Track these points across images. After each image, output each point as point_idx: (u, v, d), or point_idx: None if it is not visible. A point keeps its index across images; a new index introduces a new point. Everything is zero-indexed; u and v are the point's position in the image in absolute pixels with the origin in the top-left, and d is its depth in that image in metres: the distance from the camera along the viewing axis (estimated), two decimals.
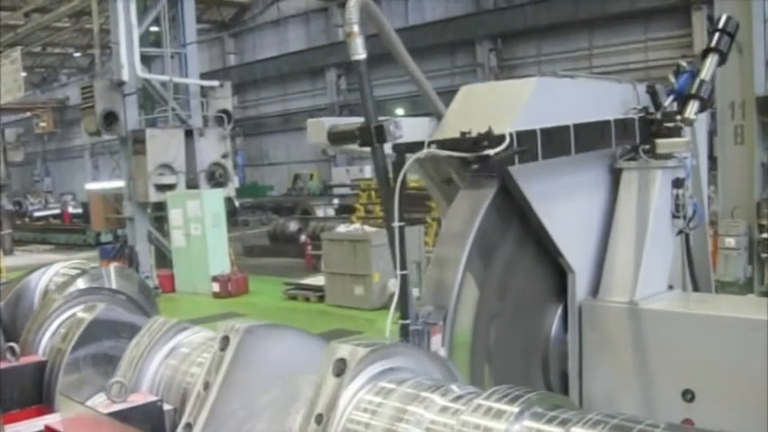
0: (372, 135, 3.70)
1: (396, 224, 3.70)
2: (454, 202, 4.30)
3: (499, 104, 4.41)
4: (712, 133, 16.56)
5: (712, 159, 15.09)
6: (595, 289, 4.75)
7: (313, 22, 39.23)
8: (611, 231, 4.84)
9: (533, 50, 29.74)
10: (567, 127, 4.22)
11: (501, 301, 4.30)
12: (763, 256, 10.67)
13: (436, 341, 3.51)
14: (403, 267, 3.72)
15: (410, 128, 4.20)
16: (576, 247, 4.65)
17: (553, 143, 4.09)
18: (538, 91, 4.39)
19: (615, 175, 4.96)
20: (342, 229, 15.89)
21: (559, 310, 4.73)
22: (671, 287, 4.97)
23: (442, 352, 3.52)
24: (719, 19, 5.25)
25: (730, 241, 10.55)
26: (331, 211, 29.08)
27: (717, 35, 5.20)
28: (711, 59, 5.12)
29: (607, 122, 4.55)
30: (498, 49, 30.59)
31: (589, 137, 4.38)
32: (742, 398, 4.11)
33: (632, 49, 26.52)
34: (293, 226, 25.10)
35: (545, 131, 4.07)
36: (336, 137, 4.09)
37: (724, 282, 10.61)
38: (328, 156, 37.95)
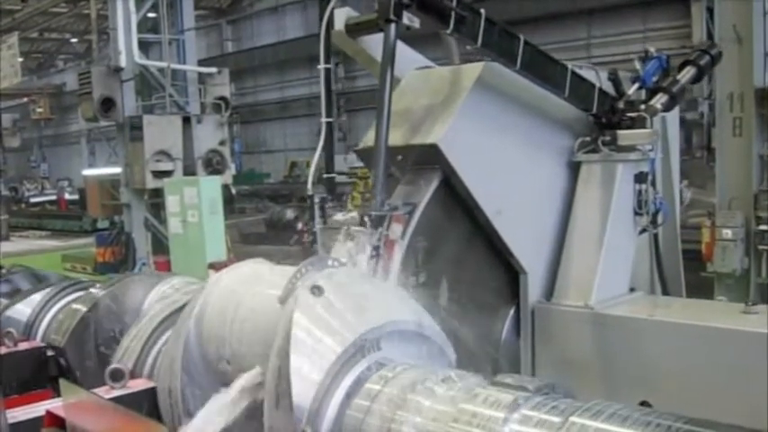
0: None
1: (322, 66, 3.88)
2: (392, 197, 4.02)
3: (446, 88, 4.26)
4: (710, 125, 16.58)
5: (710, 151, 15.11)
6: (550, 291, 4.46)
7: (311, 9, 39.02)
8: (568, 230, 4.54)
9: (530, 40, 29.63)
10: (519, 37, 4.05)
11: (449, 298, 4.04)
12: (760, 247, 10.67)
13: (396, 229, 3.40)
14: (329, 115, 3.76)
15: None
16: (528, 246, 4.36)
17: (498, 39, 3.90)
18: (485, 74, 4.22)
19: (573, 170, 4.65)
20: (339, 216, 15.88)
21: (511, 313, 4.43)
22: (633, 289, 4.66)
23: (400, 246, 3.44)
24: (706, 42, 5.29)
25: (727, 233, 10.53)
26: None
27: (699, 53, 5.11)
28: (689, 70, 5.02)
29: (564, 65, 4.32)
30: None
31: (538, 60, 4.17)
32: (703, 411, 3.95)
33: (631, 39, 26.42)
34: (290, 213, 25.08)
35: (491, 21, 3.89)
36: (353, 27, 4.01)
37: (721, 273, 10.63)
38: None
